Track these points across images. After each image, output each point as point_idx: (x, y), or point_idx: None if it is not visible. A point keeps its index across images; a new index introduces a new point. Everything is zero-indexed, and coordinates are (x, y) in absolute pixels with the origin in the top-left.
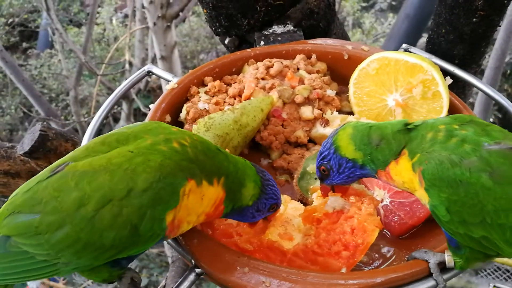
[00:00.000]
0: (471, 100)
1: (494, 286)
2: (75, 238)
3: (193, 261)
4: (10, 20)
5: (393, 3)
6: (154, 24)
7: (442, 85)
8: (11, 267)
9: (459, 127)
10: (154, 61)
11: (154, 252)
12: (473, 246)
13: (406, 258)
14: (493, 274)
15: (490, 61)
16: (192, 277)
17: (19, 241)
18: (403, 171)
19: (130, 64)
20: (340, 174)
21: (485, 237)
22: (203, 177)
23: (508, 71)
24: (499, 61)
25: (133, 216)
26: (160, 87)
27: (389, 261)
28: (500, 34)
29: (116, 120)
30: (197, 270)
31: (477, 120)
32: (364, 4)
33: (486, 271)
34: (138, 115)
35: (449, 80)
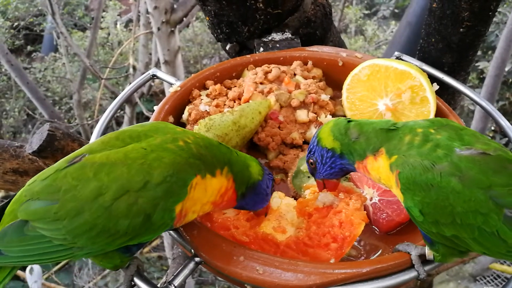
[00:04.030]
0: (472, 107)
1: None
2: (92, 224)
3: (192, 250)
4: (16, 24)
5: (396, 10)
6: (158, 29)
7: (429, 91)
8: (27, 249)
9: (434, 131)
10: (157, 66)
11: (154, 256)
12: (445, 243)
13: (391, 251)
14: (493, 282)
15: (490, 69)
16: (191, 265)
17: (38, 225)
18: (380, 168)
19: (134, 68)
20: (324, 165)
21: (455, 236)
22: (207, 171)
23: (510, 80)
24: (499, 70)
25: (147, 206)
26: (162, 92)
27: (377, 255)
28: (500, 43)
29: (119, 123)
30: (197, 259)
31: (452, 124)
32: (366, 12)
33: (485, 278)
34: (141, 118)
35: (435, 86)
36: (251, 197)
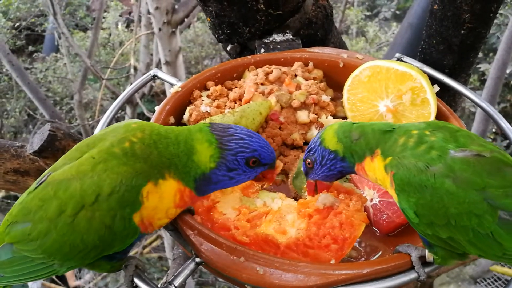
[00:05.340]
0: (473, 109)
1: None
2: (61, 242)
3: (193, 251)
4: (17, 24)
5: (397, 12)
6: (160, 29)
7: (430, 92)
8: (18, 269)
9: (430, 133)
10: (158, 66)
11: (155, 257)
12: (441, 245)
13: (391, 252)
14: (493, 284)
15: (491, 71)
16: (192, 265)
17: (19, 247)
18: (376, 169)
19: (135, 69)
20: (323, 166)
21: (451, 238)
22: (158, 176)
23: None
24: (500, 72)
25: (105, 219)
26: (163, 92)
27: (377, 256)
28: (501, 45)
29: None
30: (197, 259)
31: (449, 126)
32: (368, 13)
33: (486, 280)
34: (142, 119)
35: (436, 88)
36: (210, 187)
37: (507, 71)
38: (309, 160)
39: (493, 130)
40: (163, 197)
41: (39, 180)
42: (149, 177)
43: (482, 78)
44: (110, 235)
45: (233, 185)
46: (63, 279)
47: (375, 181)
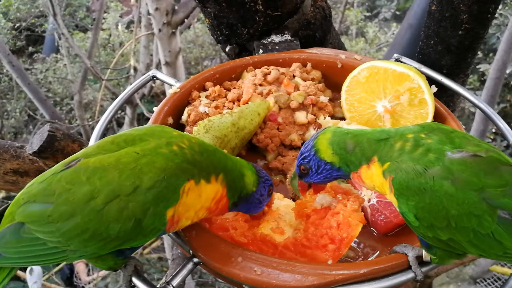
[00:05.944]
0: (472, 110)
1: None
2: (83, 228)
3: (191, 251)
4: (17, 25)
5: (397, 13)
6: (160, 30)
7: (427, 93)
8: (24, 251)
9: (425, 135)
10: (158, 67)
11: (154, 257)
12: (441, 247)
13: (389, 253)
14: (493, 284)
15: (491, 71)
16: (190, 265)
17: (33, 228)
18: (374, 176)
19: (135, 69)
20: (319, 174)
21: (451, 239)
22: (201, 176)
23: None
24: (500, 72)
25: (137, 211)
26: (163, 93)
27: (374, 256)
28: (501, 46)
29: (120, 125)
30: (195, 259)
31: (443, 127)
32: (367, 14)
33: (486, 280)
34: (142, 119)
35: (434, 88)
36: (243, 206)
37: (507, 72)
38: (303, 167)
39: (493, 130)
40: (202, 196)
41: (66, 163)
42: (192, 176)
43: (482, 79)
44: (137, 229)
45: (255, 210)
46: (71, 276)
47: (373, 188)
